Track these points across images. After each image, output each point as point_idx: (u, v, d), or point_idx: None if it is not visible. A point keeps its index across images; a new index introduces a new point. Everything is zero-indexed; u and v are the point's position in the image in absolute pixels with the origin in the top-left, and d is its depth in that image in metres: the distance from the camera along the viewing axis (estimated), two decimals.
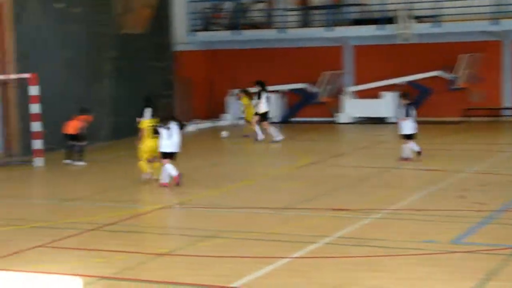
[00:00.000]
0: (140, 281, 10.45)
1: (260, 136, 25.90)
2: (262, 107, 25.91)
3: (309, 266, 10.99)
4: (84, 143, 21.59)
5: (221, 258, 11.51)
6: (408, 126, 20.33)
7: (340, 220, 13.91)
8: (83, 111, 21.84)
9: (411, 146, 20.42)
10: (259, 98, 26.03)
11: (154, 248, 12.24)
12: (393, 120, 30.45)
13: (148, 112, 21.00)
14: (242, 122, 28.89)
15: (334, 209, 14.72)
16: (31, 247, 12.45)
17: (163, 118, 18.03)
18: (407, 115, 20.33)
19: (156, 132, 17.88)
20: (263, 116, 25.92)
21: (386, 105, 30.91)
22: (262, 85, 26.28)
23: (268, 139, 25.93)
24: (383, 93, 31.11)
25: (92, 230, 13.70)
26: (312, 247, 11.98)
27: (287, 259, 11.30)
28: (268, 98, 26.15)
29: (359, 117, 31.56)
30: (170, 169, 17.74)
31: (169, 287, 10.22)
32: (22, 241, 12.88)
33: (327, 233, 12.80)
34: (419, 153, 20.36)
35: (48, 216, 15.48)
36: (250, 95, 27.37)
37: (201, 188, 17.77)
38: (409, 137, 20.40)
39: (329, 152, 22.80)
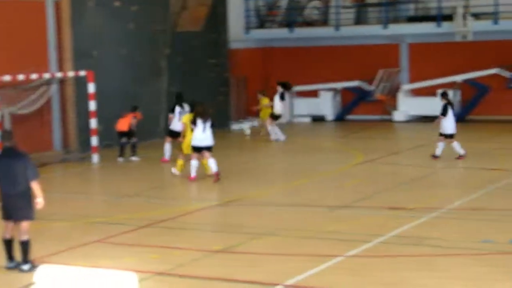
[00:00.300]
0: (193, 278, 10.51)
1: (279, 136, 25.77)
2: (279, 109, 25.90)
3: (364, 265, 10.92)
4: (135, 139, 21.73)
5: (275, 256, 11.51)
6: (450, 125, 20.21)
7: (395, 219, 13.80)
8: (134, 109, 22.05)
9: (440, 145, 20.28)
10: (282, 99, 26.00)
11: (208, 245, 12.28)
12: None
13: (178, 108, 21.09)
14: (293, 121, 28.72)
15: (389, 208, 14.61)
16: (87, 243, 12.61)
17: (201, 112, 18.30)
18: (443, 114, 20.21)
19: (194, 123, 18.27)
20: (277, 117, 25.99)
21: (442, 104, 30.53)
22: (285, 86, 26.34)
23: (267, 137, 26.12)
24: (440, 91, 30.74)
25: (147, 226, 13.82)
26: (367, 245, 11.91)
27: (342, 258, 11.25)
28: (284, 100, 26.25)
29: (415, 115, 31.25)
30: (195, 165, 18.22)
31: (223, 284, 10.25)
32: (79, 236, 13.06)
33: (382, 231, 12.71)
34: (435, 156, 20.29)
35: (105, 212, 15.67)
36: (269, 96, 27.48)
37: (256, 185, 17.79)
38: (450, 136, 20.28)
39: (385, 150, 22.63)
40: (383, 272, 10.49)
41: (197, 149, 18.28)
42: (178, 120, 20.57)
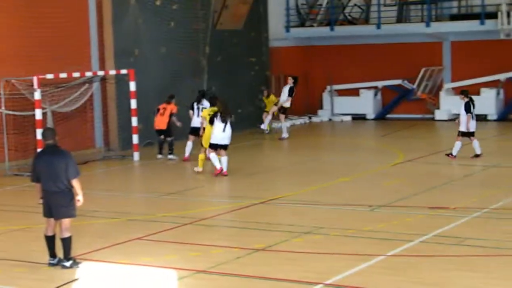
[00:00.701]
0: (234, 276, 10.51)
1: (284, 133, 25.83)
2: (288, 103, 25.88)
3: (404, 264, 10.85)
4: (170, 138, 21.72)
5: (316, 255, 11.48)
6: (471, 124, 20.12)
7: (437, 218, 13.68)
8: (170, 98, 21.91)
9: (475, 143, 20.27)
10: (290, 95, 25.90)
11: (249, 243, 12.28)
12: (493, 118, 29.84)
13: (201, 105, 21.18)
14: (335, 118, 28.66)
15: (430, 207, 14.50)
16: (128, 240, 12.69)
17: (221, 111, 18.50)
18: (467, 112, 20.15)
19: (211, 122, 18.48)
20: (285, 111, 26.04)
21: (485, 102, 30.19)
22: (296, 81, 26.34)
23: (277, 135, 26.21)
24: (483, 89, 30.42)
25: (187, 224, 13.87)
26: (407, 245, 11.82)
27: (382, 257, 11.19)
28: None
29: (457, 114, 30.94)
30: (215, 157, 18.56)
31: (264, 282, 10.25)
32: (120, 234, 13.14)
33: (423, 231, 12.61)
34: (450, 154, 20.28)
35: (145, 209, 15.76)
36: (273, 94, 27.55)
37: (296, 184, 17.76)
38: (471, 134, 20.22)
39: (426, 149, 22.45)
40: (423, 272, 10.41)
41: (215, 147, 18.57)
42: (197, 116, 20.81)
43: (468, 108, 20.19)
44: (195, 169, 19.37)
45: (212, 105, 19.36)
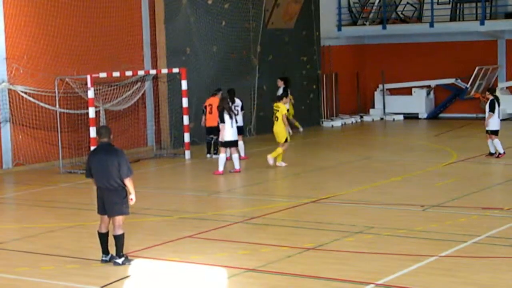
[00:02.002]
0: (284, 275, 10.50)
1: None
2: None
3: (457, 265, 10.72)
4: (215, 137, 21.58)
5: (367, 255, 11.41)
6: (495, 122, 20.22)
7: (490, 219, 13.50)
8: (217, 91, 21.67)
9: (496, 141, 20.29)
10: (287, 94, 25.12)
11: (299, 242, 12.26)
12: None
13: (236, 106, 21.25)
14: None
15: (483, 208, 14.31)
16: (179, 238, 12.76)
17: (227, 108, 18.97)
18: (491, 110, 20.19)
19: (222, 119, 18.87)
20: None
21: None
22: (288, 82, 25.69)
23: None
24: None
25: (238, 222, 13.89)
26: (460, 246, 11.68)
27: (435, 258, 11.07)
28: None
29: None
30: (222, 160, 18.99)
31: (314, 281, 10.22)
32: (171, 232, 13.22)
33: (476, 232, 12.45)
34: (492, 154, 20.38)
35: (197, 207, 15.83)
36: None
37: (350, 183, 17.67)
38: (495, 133, 20.25)
39: (480, 149, 22.16)
40: (476, 274, 10.28)
41: (227, 145, 19.01)
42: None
43: (492, 106, 20.24)
44: (279, 164, 19.73)
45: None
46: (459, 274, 10.30)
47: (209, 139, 21.90)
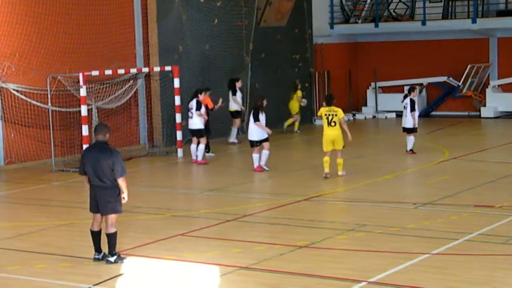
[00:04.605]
0: (277, 272, 10.51)
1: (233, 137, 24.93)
2: (233, 105, 24.70)
3: (449, 263, 10.74)
4: (208, 134, 21.46)
5: (359, 252, 11.43)
6: (409, 121, 20.76)
7: (482, 217, 13.54)
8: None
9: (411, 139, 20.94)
10: (234, 94, 24.54)
11: (292, 240, 12.27)
12: None
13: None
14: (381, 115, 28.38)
15: (476, 206, 14.34)
16: (172, 236, 12.76)
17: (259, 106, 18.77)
18: (412, 109, 20.73)
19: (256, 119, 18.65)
20: (238, 114, 25.00)
21: None
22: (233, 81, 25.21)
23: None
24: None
25: (230, 220, 13.89)
26: (452, 243, 11.71)
27: (427, 255, 11.09)
28: None
29: (504, 112, 30.58)
30: (256, 159, 18.99)
31: (307, 279, 10.23)
32: (164, 230, 13.22)
33: (468, 229, 12.48)
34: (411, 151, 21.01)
35: (189, 206, 15.83)
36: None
37: (341, 181, 17.69)
38: (410, 130, 20.92)
39: (472, 147, 22.21)
40: (469, 271, 10.30)
41: (253, 144, 18.89)
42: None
43: (412, 105, 20.89)
44: (341, 173, 18.02)
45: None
46: (451, 271, 10.32)
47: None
